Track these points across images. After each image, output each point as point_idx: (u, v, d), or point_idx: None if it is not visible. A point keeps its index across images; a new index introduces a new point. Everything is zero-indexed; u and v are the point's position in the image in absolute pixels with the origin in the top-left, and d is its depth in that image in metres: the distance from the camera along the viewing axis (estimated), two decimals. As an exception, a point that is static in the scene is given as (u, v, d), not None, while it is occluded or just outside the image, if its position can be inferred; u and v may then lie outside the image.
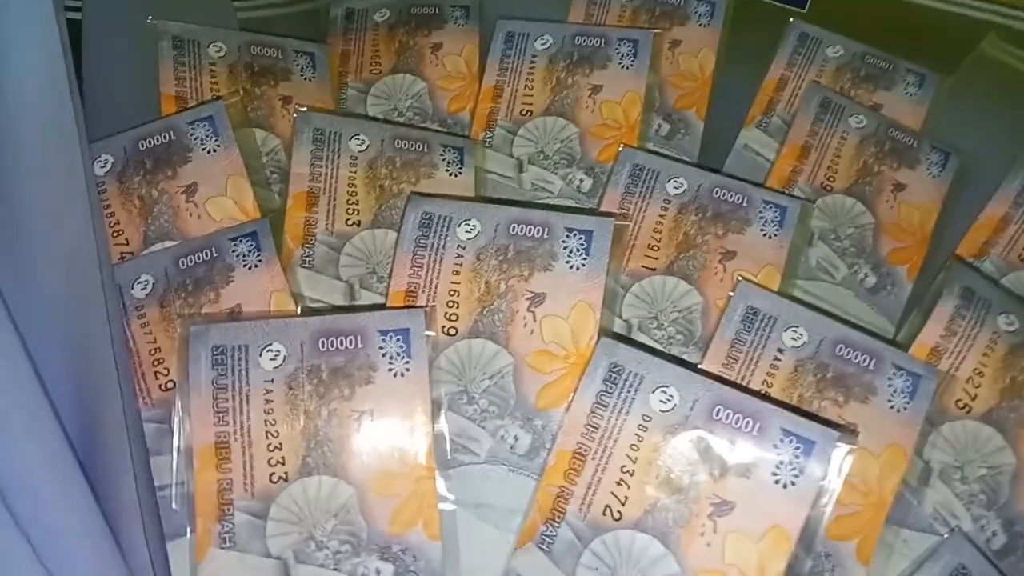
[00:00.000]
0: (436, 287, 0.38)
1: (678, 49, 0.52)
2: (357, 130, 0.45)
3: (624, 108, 0.48)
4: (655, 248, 0.43)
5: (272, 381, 0.34)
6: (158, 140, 0.41)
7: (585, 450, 0.33)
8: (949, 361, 0.39)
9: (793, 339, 0.39)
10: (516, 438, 0.36)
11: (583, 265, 0.38)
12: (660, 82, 0.51)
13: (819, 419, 0.33)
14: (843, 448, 0.32)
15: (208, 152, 0.41)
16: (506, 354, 0.37)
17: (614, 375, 0.34)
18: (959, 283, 0.41)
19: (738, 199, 0.44)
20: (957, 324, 0.39)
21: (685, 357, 0.41)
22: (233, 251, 0.38)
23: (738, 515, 0.32)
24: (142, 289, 0.38)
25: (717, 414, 0.33)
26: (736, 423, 0.32)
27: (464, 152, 0.46)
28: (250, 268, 0.38)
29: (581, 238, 0.38)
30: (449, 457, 0.35)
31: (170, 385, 0.36)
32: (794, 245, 0.43)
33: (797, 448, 0.32)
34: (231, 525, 0.32)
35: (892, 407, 0.37)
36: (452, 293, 0.38)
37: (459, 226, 0.39)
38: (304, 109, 0.45)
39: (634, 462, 0.33)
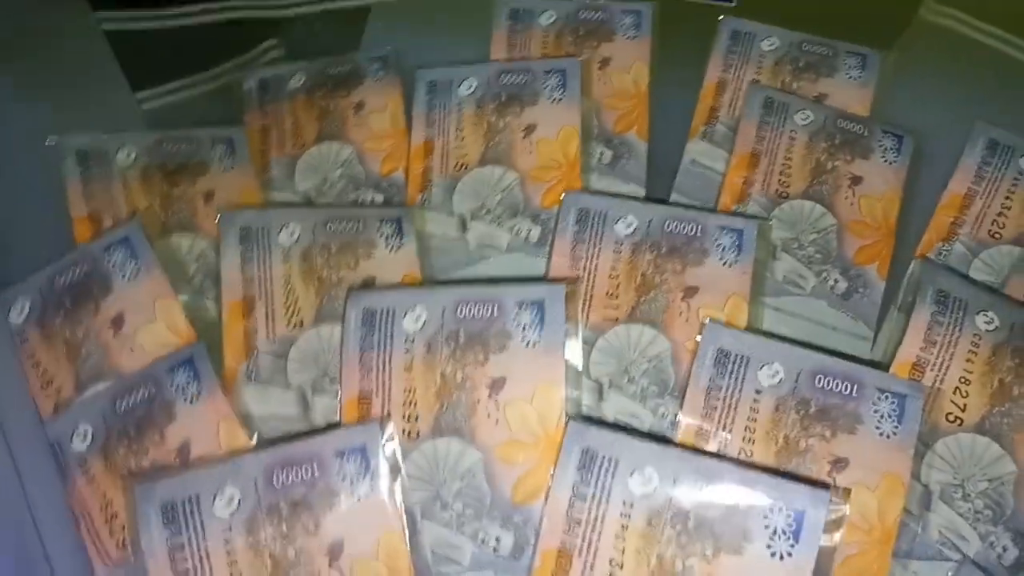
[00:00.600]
0: (389, 389, 0.36)
1: (609, 67, 0.50)
2: (285, 220, 0.43)
3: (561, 145, 0.46)
4: (614, 296, 0.41)
5: (230, 529, 0.32)
6: (74, 274, 0.39)
7: (570, 547, 0.32)
8: (933, 374, 0.37)
9: (770, 377, 0.37)
10: (498, 539, 0.34)
11: (539, 340, 0.36)
12: (596, 106, 0.49)
13: (807, 480, 0.31)
14: (837, 507, 0.30)
15: (129, 278, 0.39)
16: (474, 450, 0.35)
17: (588, 462, 0.32)
18: (931, 287, 0.39)
19: (691, 229, 0.42)
20: (935, 333, 0.38)
21: (662, 409, 0.39)
22: (171, 384, 0.36)
23: (738, 595, 0.30)
24: (82, 441, 0.36)
25: (700, 489, 0.31)
26: (721, 497, 0.31)
27: (402, 222, 0.43)
28: (191, 400, 0.36)
29: (533, 310, 0.36)
30: (432, 571, 0.33)
31: (127, 540, 0.34)
32: (757, 266, 0.41)
33: (788, 516, 0.30)
34: None
35: (881, 433, 0.35)
36: (408, 392, 0.36)
37: (404, 317, 0.37)
38: (226, 210, 0.42)
39: (622, 553, 0.31)
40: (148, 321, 0.38)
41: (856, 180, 0.46)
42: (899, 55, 0.50)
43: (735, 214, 0.44)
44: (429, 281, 0.43)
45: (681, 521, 0.31)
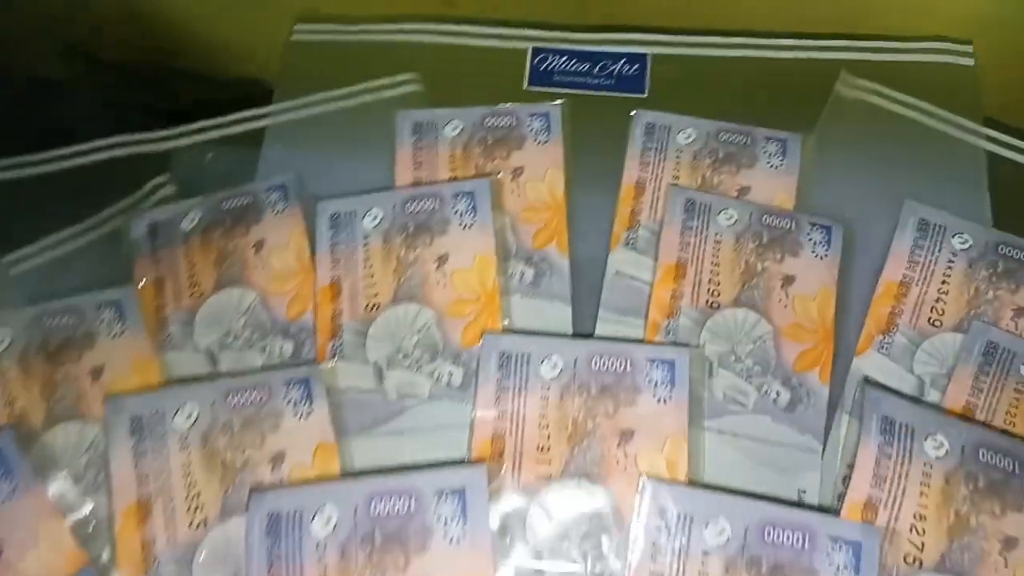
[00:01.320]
0: (303, 604, 0.33)
1: (522, 177, 0.47)
2: (182, 399, 0.39)
3: (478, 275, 0.43)
4: (546, 449, 0.38)
5: None
6: (-59, 503, 0.35)
7: None
8: (887, 513, 0.35)
9: (716, 535, 0.34)
10: None
11: (463, 536, 0.33)
12: (512, 221, 0.46)
13: None
14: None
15: (4, 501, 0.35)
16: (401, 668, 0.32)
17: None
18: (876, 414, 0.37)
19: (620, 365, 0.39)
20: (884, 467, 0.36)
21: (606, 574, 0.36)
22: (59, 625, 0.32)
23: None
24: None
25: None
26: None
27: (311, 383, 0.40)
28: (82, 643, 0.32)
29: (454, 500, 0.33)
30: None
31: None
32: (693, 396, 0.39)
33: None
34: None
35: (840, 588, 0.33)
36: (323, 606, 0.33)
37: (313, 519, 0.33)
38: (112, 395, 0.38)
39: None
40: (31, 547, 0.34)
41: (788, 280, 0.44)
42: (820, 137, 0.48)
43: (665, 343, 0.41)
44: (346, 443, 0.40)
45: None
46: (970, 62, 0.50)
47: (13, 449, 0.35)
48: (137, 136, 0.51)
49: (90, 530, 0.36)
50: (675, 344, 0.41)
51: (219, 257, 0.46)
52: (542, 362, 0.40)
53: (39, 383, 0.40)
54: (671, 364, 0.39)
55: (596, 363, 0.39)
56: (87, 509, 0.37)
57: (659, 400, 0.38)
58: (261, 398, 0.39)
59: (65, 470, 0.37)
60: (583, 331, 0.43)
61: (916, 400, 0.39)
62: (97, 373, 0.41)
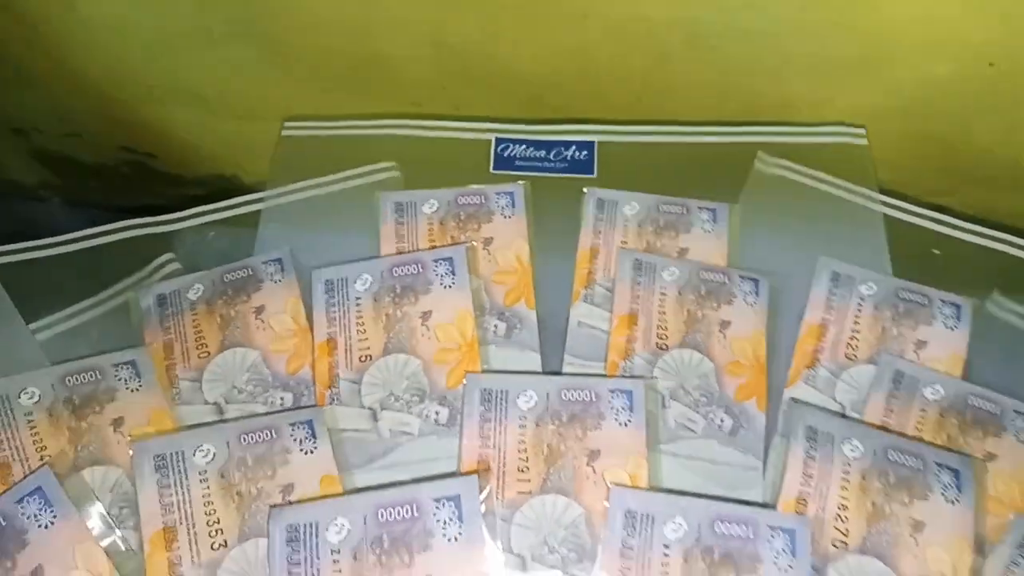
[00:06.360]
0: (319, 606, 0.37)
1: (492, 246, 0.54)
2: (199, 441, 0.44)
3: (458, 327, 0.50)
4: (524, 470, 0.44)
5: None
6: (-17, 532, 0.38)
7: None
8: (815, 505, 0.41)
9: (674, 531, 0.40)
10: None
11: (460, 534, 0.38)
12: (485, 284, 0.53)
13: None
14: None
15: (45, 528, 0.39)
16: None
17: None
18: (801, 424, 0.43)
19: (586, 396, 0.46)
20: (810, 467, 0.42)
21: (583, 574, 0.41)
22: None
23: None
24: None
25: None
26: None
27: (314, 423, 0.45)
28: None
29: (451, 506, 0.39)
30: None
31: None
32: (650, 418, 0.45)
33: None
34: None
35: (779, 568, 0.39)
36: (339, 607, 0.37)
37: (328, 529, 0.38)
38: (138, 440, 0.43)
39: None
40: (69, 569, 0.38)
41: (725, 324, 0.51)
42: (744, 205, 0.57)
43: (623, 376, 0.48)
44: (348, 477, 0.45)
45: None
46: (864, 142, 0.60)
47: (53, 483, 0.39)
48: (145, 220, 0.57)
49: (120, 556, 0.40)
50: (632, 377, 0.47)
51: (223, 322, 0.51)
52: (519, 396, 0.46)
53: (67, 432, 0.44)
54: (629, 393, 0.45)
55: (565, 395, 0.46)
56: (118, 538, 0.41)
57: (621, 424, 0.45)
58: (270, 435, 0.44)
59: (97, 503, 0.42)
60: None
61: (835, 414, 0.46)
62: (118, 423, 0.46)
